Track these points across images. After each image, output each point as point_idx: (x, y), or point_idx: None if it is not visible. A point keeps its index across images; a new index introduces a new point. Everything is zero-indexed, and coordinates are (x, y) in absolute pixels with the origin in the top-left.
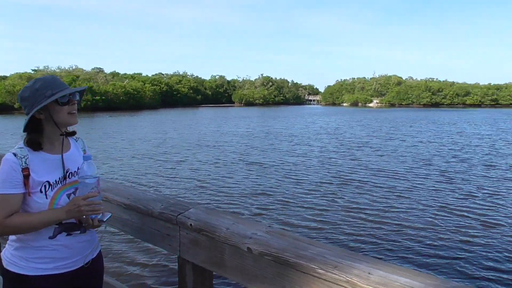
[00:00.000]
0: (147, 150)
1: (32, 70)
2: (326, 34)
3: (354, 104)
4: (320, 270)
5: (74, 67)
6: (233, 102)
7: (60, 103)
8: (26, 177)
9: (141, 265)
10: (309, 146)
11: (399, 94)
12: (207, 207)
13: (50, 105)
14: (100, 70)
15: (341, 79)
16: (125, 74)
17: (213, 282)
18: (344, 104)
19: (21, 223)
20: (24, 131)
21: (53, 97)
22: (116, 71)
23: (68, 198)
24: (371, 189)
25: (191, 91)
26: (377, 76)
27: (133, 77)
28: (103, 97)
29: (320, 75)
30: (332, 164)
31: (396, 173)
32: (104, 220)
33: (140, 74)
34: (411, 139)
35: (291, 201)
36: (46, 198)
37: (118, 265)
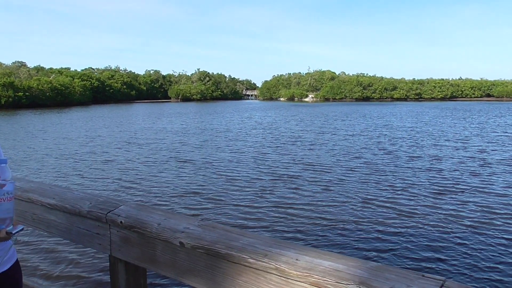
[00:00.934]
0: (74, 150)
1: None
2: (262, 31)
3: (291, 98)
4: (250, 260)
5: None
6: (170, 98)
7: None
8: None
9: (70, 267)
10: (244, 142)
11: (332, 89)
12: (138, 204)
13: None
14: (22, 64)
15: (278, 74)
16: (51, 68)
17: (147, 279)
18: (281, 99)
19: None
20: None
21: None
22: (41, 66)
23: None
24: (301, 183)
25: (124, 86)
26: (312, 72)
27: (60, 72)
28: (27, 93)
29: (257, 70)
30: (265, 159)
31: (326, 166)
32: (13, 232)
33: (68, 68)
34: (342, 133)
35: (224, 198)
36: None
37: (46, 269)
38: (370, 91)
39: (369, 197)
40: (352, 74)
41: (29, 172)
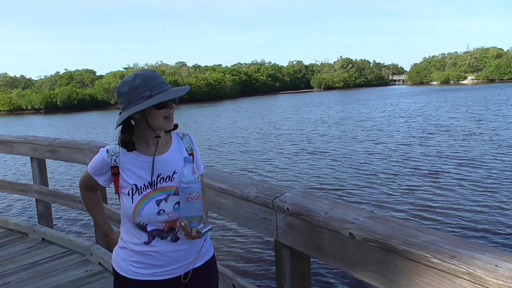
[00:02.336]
0: (219, 140)
1: (124, 68)
2: (410, 9)
3: (445, 82)
4: (434, 260)
5: (160, 63)
6: (312, 87)
7: (158, 107)
8: (115, 174)
9: (238, 248)
10: (386, 132)
11: (499, 68)
12: (302, 191)
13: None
14: (183, 64)
15: (429, 56)
16: (206, 66)
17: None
18: (434, 83)
19: (87, 205)
20: (117, 128)
21: (151, 100)
22: (198, 64)
23: (158, 205)
24: (453, 182)
25: (269, 78)
26: (472, 50)
27: (213, 68)
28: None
29: (405, 54)
30: (410, 152)
31: (485, 162)
32: (203, 231)
33: (220, 65)
34: (509, 120)
35: (360, 195)
36: (132, 202)
37: (219, 250)
38: None
39: None
40: None
41: None
